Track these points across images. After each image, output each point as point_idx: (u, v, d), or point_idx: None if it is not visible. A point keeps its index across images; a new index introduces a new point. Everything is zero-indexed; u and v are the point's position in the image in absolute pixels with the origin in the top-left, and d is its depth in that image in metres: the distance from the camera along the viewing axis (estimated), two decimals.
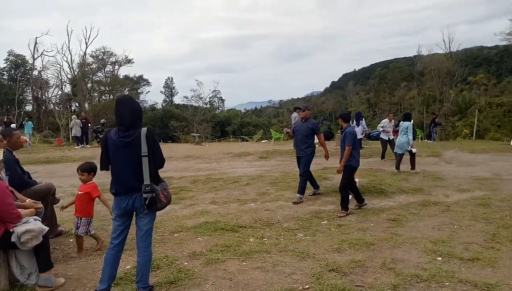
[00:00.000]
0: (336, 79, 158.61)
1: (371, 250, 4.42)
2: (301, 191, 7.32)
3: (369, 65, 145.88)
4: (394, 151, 11.05)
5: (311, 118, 7.75)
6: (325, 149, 7.56)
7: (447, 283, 3.46)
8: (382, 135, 12.95)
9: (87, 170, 4.51)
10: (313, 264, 4.01)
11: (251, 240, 5.01)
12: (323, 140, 7.66)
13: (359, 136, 13.01)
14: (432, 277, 3.57)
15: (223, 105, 72.86)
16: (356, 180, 6.93)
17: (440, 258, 4.08)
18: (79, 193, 4.54)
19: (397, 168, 10.44)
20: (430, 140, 22.59)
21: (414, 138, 11.00)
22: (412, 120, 11.31)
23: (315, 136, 7.44)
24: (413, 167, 10.55)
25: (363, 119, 14.73)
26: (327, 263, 3.98)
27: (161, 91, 77.68)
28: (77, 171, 4.57)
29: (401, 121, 10.72)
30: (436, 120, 23.40)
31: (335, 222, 5.86)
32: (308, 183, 7.53)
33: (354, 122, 13.51)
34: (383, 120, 13.41)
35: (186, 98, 54.05)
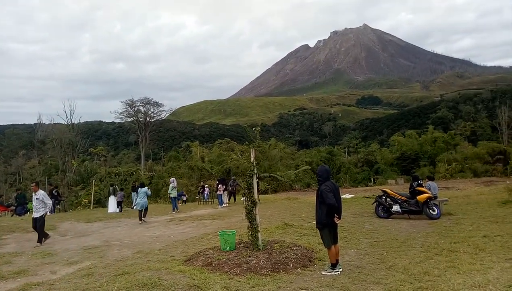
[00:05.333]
0: None
1: None
2: None
3: None
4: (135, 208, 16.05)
5: None
6: None
7: None
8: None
9: None
10: None
11: None
12: None
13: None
14: None
15: None
16: None
17: None
18: None
19: (140, 219, 14.88)
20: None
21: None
22: (146, 187, 16.39)
23: None
24: (144, 217, 15.03)
25: None
26: None
27: None
28: None
29: (139, 188, 15.54)
30: (54, 191, 22.74)
31: None
32: None
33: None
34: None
35: None
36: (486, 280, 5.16)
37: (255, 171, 7.04)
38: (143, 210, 15.16)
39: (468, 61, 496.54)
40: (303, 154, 53.77)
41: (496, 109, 77.56)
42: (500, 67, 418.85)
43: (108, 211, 19.86)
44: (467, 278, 5.39)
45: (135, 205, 16.53)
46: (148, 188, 17.60)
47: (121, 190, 21.46)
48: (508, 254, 6.60)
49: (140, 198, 15.17)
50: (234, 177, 25.17)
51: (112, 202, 20.26)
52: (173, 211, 18.24)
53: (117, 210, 19.99)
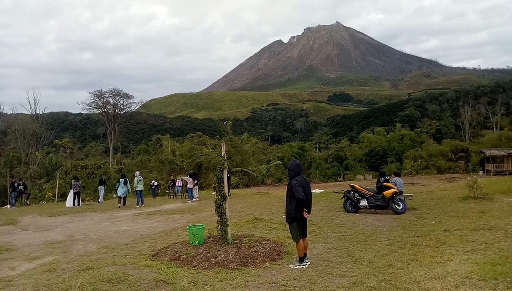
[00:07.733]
0: None
1: None
2: None
3: None
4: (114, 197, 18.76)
5: None
6: None
7: None
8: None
9: None
10: None
11: None
12: None
13: None
14: None
15: None
16: None
17: None
18: None
19: (121, 203, 17.68)
20: (10, 206, 20.63)
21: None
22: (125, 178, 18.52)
23: None
24: (124, 205, 17.63)
25: None
26: None
27: None
28: None
29: (120, 179, 18.14)
30: (16, 184, 21.72)
31: None
32: None
33: None
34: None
35: None
36: (445, 272, 5.37)
37: (225, 165, 7.00)
38: (123, 198, 17.64)
39: (435, 62, 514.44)
40: (275, 149, 54.13)
41: (460, 109, 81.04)
42: (464, 68, 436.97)
43: (66, 205, 19.22)
44: (428, 270, 5.59)
45: (124, 194, 18.02)
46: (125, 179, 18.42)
47: (77, 179, 20.59)
48: (466, 247, 6.90)
49: (122, 187, 17.64)
50: (192, 171, 24.96)
51: (70, 197, 19.72)
52: (142, 204, 18.06)
53: (75, 204, 19.32)
